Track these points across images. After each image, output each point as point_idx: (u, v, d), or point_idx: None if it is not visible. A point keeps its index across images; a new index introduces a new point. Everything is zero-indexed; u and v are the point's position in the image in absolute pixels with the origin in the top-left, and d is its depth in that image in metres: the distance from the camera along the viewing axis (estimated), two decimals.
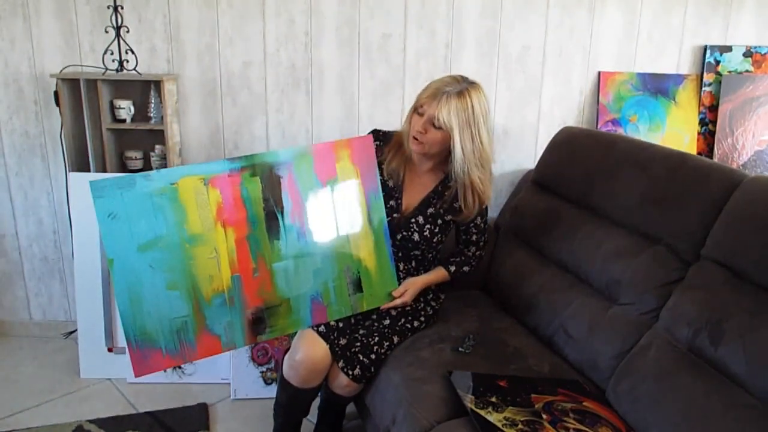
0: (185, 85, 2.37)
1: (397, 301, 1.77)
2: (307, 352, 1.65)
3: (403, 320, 1.79)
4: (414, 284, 1.80)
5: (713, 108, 2.43)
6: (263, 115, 2.41)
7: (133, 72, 2.27)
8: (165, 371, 2.25)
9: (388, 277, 1.77)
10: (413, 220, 1.82)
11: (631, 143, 1.94)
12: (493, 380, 1.53)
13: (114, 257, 1.48)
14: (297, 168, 1.62)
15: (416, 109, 1.72)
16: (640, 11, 2.36)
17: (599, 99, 2.42)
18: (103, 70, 2.23)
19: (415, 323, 1.81)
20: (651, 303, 1.61)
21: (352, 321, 1.77)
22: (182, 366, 2.28)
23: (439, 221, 1.83)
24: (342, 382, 1.68)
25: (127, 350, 1.55)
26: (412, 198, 1.85)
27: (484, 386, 1.49)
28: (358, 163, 1.69)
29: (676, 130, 2.45)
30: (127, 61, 2.26)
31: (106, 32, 2.23)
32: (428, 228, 1.82)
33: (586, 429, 1.38)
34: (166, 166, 2.31)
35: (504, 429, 1.34)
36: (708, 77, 2.42)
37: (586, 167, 2.01)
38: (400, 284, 1.79)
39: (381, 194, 1.73)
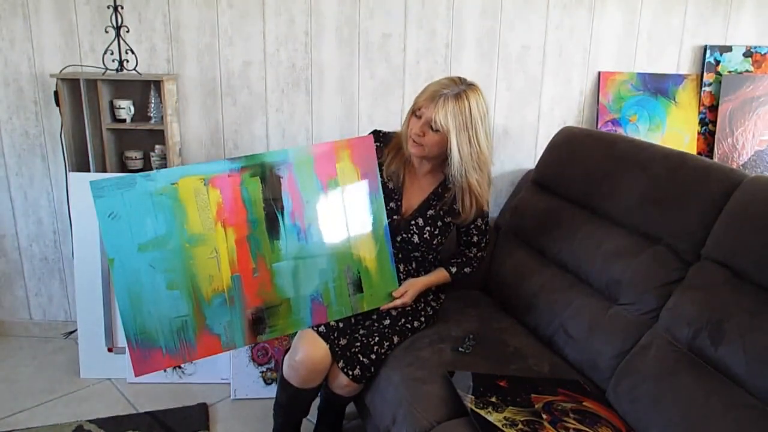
0: (185, 85, 2.37)
1: (398, 302, 1.77)
2: (308, 353, 1.65)
3: (403, 320, 1.79)
4: (415, 285, 1.80)
5: (713, 108, 2.43)
6: (263, 114, 2.41)
7: (133, 72, 2.27)
8: (165, 371, 2.25)
9: (388, 278, 1.77)
10: (413, 222, 1.82)
11: (631, 143, 1.95)
12: (493, 380, 1.53)
13: (114, 257, 1.48)
14: (297, 168, 1.62)
15: (414, 112, 1.72)
16: (640, 11, 2.36)
17: (599, 99, 2.42)
18: (103, 70, 2.23)
19: (415, 323, 1.81)
20: (651, 303, 1.61)
21: (352, 321, 1.77)
22: (182, 366, 2.28)
23: (439, 223, 1.83)
24: (342, 382, 1.68)
25: (127, 350, 1.55)
26: (411, 200, 1.84)
27: (484, 386, 1.49)
28: (359, 164, 1.69)
29: (676, 130, 2.45)
30: (127, 61, 2.26)
31: (106, 32, 2.23)
32: (428, 230, 1.82)
33: (586, 429, 1.38)
34: (166, 166, 2.31)
35: (504, 429, 1.34)
36: (708, 77, 2.41)
37: (586, 167, 2.01)
38: (400, 285, 1.79)
39: (382, 194, 1.73)
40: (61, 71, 2.28)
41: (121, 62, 2.25)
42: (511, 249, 2.15)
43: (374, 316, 1.80)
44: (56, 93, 2.23)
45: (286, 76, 2.37)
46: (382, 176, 1.77)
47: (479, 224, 1.88)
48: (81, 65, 2.31)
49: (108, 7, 2.21)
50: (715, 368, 1.39)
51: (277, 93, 2.39)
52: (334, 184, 1.67)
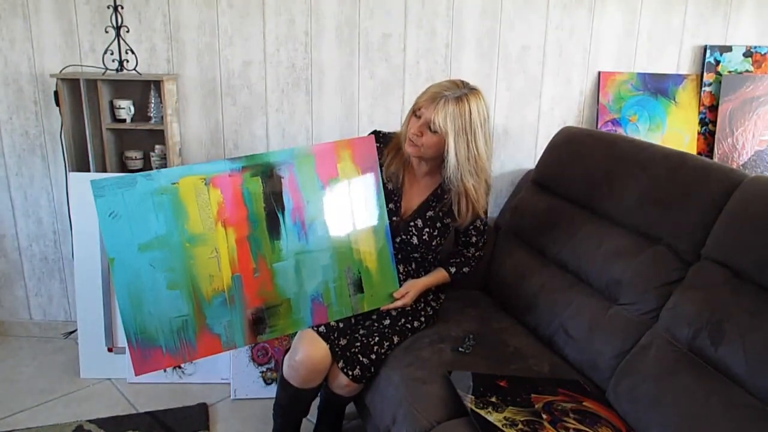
0: (185, 85, 2.37)
1: (398, 303, 1.77)
2: (308, 353, 1.65)
3: (403, 320, 1.79)
4: (415, 286, 1.80)
5: (713, 108, 2.43)
6: (263, 114, 2.41)
7: (133, 72, 2.27)
8: (165, 371, 2.25)
9: (389, 278, 1.77)
10: (412, 223, 1.82)
11: (631, 143, 1.95)
12: (493, 380, 1.53)
13: (115, 256, 1.48)
14: (298, 168, 1.62)
15: (414, 112, 1.72)
16: (640, 11, 2.36)
17: (599, 99, 2.43)
18: (103, 70, 2.23)
19: (415, 323, 1.81)
20: (651, 303, 1.61)
21: (352, 321, 1.77)
22: (182, 366, 2.28)
23: (438, 224, 1.83)
24: (342, 383, 1.68)
25: (127, 349, 1.55)
26: (411, 201, 1.84)
27: (484, 386, 1.49)
28: (360, 164, 1.69)
29: (676, 130, 2.45)
30: (127, 61, 2.26)
31: (106, 32, 2.23)
32: (427, 231, 1.82)
33: (586, 429, 1.39)
34: (166, 166, 2.31)
35: (504, 429, 1.34)
36: (708, 77, 2.42)
37: (586, 167, 2.01)
38: (400, 285, 1.79)
39: (382, 194, 1.73)
40: (61, 71, 2.28)
41: (121, 62, 2.25)
42: (511, 249, 2.15)
43: (374, 317, 1.80)
44: (56, 93, 2.23)
45: (286, 76, 2.37)
46: (381, 177, 1.76)
47: (477, 225, 1.88)
48: (81, 65, 2.31)
49: (108, 7, 2.21)
50: (715, 368, 1.39)
51: (277, 93, 2.39)
52: (335, 184, 1.67)
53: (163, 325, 1.53)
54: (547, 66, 2.41)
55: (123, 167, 2.38)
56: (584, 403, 1.49)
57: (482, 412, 1.39)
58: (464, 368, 1.59)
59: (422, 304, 1.86)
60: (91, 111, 2.24)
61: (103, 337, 2.31)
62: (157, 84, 2.24)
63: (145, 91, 2.31)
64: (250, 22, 2.31)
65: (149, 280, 1.51)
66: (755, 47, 2.40)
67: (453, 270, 1.88)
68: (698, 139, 2.46)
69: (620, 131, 2.44)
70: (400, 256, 1.82)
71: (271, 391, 2.15)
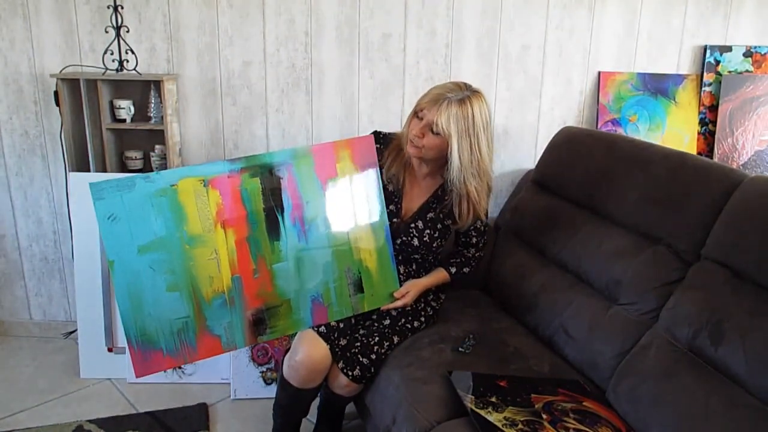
0: (185, 85, 2.37)
1: (398, 303, 1.77)
2: (308, 353, 1.65)
3: (403, 320, 1.79)
4: (416, 286, 1.80)
5: (713, 108, 2.43)
6: (263, 114, 2.41)
7: (133, 72, 2.27)
8: (165, 371, 2.25)
9: (389, 278, 1.77)
10: (413, 225, 1.81)
11: (631, 143, 1.95)
12: (493, 380, 1.53)
13: (114, 259, 1.48)
14: (297, 168, 1.62)
15: (416, 113, 1.71)
16: (640, 11, 2.36)
17: (599, 99, 2.42)
18: (103, 70, 2.23)
19: (415, 323, 1.81)
20: (651, 303, 1.61)
21: (353, 321, 1.77)
22: (182, 366, 2.28)
23: (439, 226, 1.83)
24: (342, 383, 1.68)
25: (127, 351, 1.55)
26: (411, 203, 1.84)
27: (484, 386, 1.49)
28: (359, 164, 1.69)
29: (676, 130, 2.45)
30: (127, 61, 2.26)
31: (106, 32, 2.23)
32: (428, 233, 1.82)
33: (586, 429, 1.39)
34: (166, 166, 2.31)
35: (504, 429, 1.34)
36: (708, 77, 2.41)
37: (586, 167, 2.01)
38: (401, 285, 1.79)
39: (382, 194, 1.73)
40: (61, 71, 2.28)
41: (121, 62, 2.25)
42: (511, 249, 2.15)
43: (374, 317, 1.80)
44: (56, 93, 2.23)
45: (286, 76, 2.37)
46: (381, 178, 1.76)
47: (478, 226, 1.88)
48: (81, 65, 2.31)
49: (108, 7, 2.21)
50: (715, 368, 1.39)
51: (277, 93, 2.39)
52: (335, 184, 1.67)
53: (164, 327, 1.53)
54: (547, 66, 2.41)
55: (123, 167, 2.38)
56: (584, 403, 1.49)
57: (482, 412, 1.39)
58: (464, 368, 1.59)
59: (422, 304, 1.86)
60: (91, 111, 2.24)
61: (103, 337, 2.31)
62: (157, 84, 2.24)
63: (145, 91, 2.31)
64: (250, 22, 2.31)
65: (149, 282, 1.51)
66: (755, 47, 2.40)
67: (453, 270, 1.88)
68: (698, 139, 2.46)
69: (620, 131, 2.44)
70: (400, 258, 1.82)
71: (271, 391, 2.15)
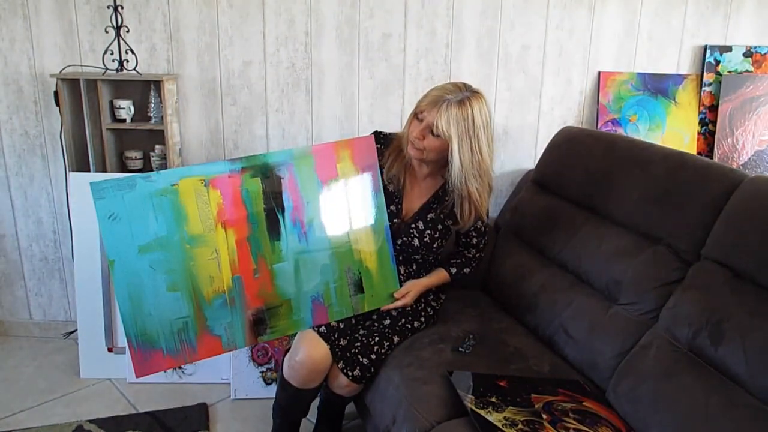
0: (185, 85, 2.37)
1: (399, 303, 1.77)
2: (308, 353, 1.65)
3: (403, 320, 1.79)
4: (416, 286, 1.81)
5: (713, 108, 2.43)
6: (263, 114, 2.41)
7: (133, 72, 2.27)
8: (165, 371, 2.25)
9: (389, 278, 1.77)
10: (413, 225, 1.81)
11: (631, 143, 1.95)
12: (493, 380, 1.53)
13: (115, 258, 1.48)
14: (298, 168, 1.62)
15: (416, 115, 1.70)
16: (640, 11, 2.36)
17: (599, 99, 2.43)
18: (103, 70, 2.23)
19: (416, 323, 1.81)
20: (651, 303, 1.61)
21: (353, 321, 1.77)
22: (182, 366, 2.28)
23: (440, 226, 1.83)
24: (342, 383, 1.68)
25: (127, 351, 1.55)
26: (412, 203, 1.84)
27: (484, 386, 1.50)
28: (360, 164, 1.69)
29: (676, 130, 2.45)
30: (127, 61, 2.26)
31: (106, 32, 2.23)
32: (428, 233, 1.82)
33: (586, 429, 1.39)
34: (166, 166, 2.31)
35: (504, 429, 1.34)
36: (708, 77, 2.42)
37: (586, 167, 2.01)
38: (401, 286, 1.79)
39: (382, 194, 1.73)
40: (61, 71, 2.27)
41: (121, 62, 2.25)
42: (511, 249, 2.15)
43: (374, 317, 1.80)
44: (56, 93, 2.23)
45: (286, 76, 2.37)
46: (382, 179, 1.76)
47: (478, 226, 1.88)
48: (81, 65, 2.31)
49: (108, 7, 2.21)
50: (715, 368, 1.39)
51: (277, 93, 2.39)
52: (335, 185, 1.67)
53: (164, 327, 1.53)
54: (547, 66, 2.41)
55: (123, 167, 2.37)
56: (584, 403, 1.49)
57: (482, 412, 1.39)
58: (464, 368, 1.59)
59: (422, 305, 1.86)
60: (91, 111, 2.24)
61: (103, 337, 2.31)
62: (157, 84, 2.24)
63: (145, 91, 2.31)
64: (250, 22, 2.31)
65: (149, 282, 1.51)
66: (755, 47, 2.40)
67: (454, 271, 1.88)
68: (698, 139, 2.46)
69: (620, 131, 2.44)
70: (401, 258, 1.82)
71: (271, 391, 2.15)
